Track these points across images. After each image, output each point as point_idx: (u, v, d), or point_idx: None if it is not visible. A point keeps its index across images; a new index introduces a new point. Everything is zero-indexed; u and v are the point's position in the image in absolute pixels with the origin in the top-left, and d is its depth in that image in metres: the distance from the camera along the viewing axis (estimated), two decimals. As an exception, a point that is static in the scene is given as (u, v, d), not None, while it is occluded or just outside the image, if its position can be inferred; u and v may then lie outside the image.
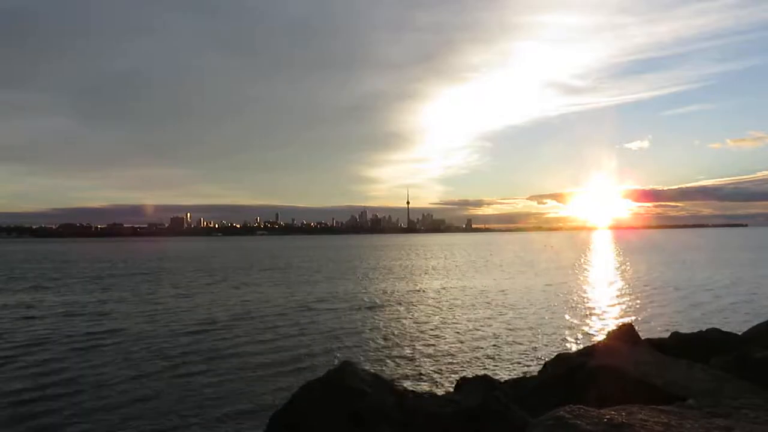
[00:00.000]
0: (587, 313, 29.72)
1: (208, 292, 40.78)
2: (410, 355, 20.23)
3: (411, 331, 24.98)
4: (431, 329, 25.24)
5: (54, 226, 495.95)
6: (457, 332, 24.39)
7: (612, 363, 8.28)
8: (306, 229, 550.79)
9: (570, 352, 11.04)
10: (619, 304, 33.20)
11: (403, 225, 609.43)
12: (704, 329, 11.52)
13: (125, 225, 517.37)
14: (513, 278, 50.31)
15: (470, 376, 9.60)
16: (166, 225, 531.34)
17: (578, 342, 21.45)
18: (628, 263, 69.27)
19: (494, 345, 21.68)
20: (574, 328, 25.26)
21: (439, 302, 34.60)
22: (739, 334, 11.17)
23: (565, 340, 22.54)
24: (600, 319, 27.61)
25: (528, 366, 17.83)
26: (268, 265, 73.45)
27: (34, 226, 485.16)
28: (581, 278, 49.95)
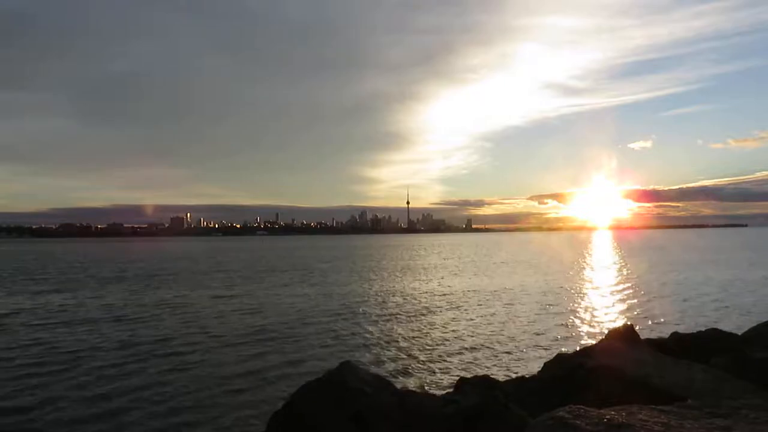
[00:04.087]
0: (587, 313, 29.72)
1: (237, 294, 39.96)
2: (410, 355, 20.22)
3: (411, 330, 24.98)
4: (431, 329, 25.24)
5: (54, 226, 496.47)
6: (458, 332, 24.38)
7: (612, 363, 8.27)
8: (306, 229, 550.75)
9: (570, 352, 11.02)
10: (619, 304, 33.20)
11: (403, 225, 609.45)
12: (704, 329, 11.52)
13: (125, 225, 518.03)
14: (513, 278, 50.30)
15: (470, 376, 9.61)
16: (166, 225, 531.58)
17: (578, 342, 21.43)
18: (628, 263, 69.27)
19: (494, 345, 21.67)
20: (574, 328, 25.27)
21: (439, 302, 34.59)
22: (739, 334, 11.18)
23: (565, 340, 22.53)
24: (600, 319, 27.61)
25: (528, 366, 17.83)
26: (282, 266, 72.73)
27: (34, 226, 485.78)
28: (581, 278, 49.95)
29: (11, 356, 20.34)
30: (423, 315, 29.55)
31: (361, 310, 31.50)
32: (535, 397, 8.38)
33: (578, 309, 30.93)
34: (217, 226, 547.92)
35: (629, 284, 43.39)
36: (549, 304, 32.55)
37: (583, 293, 38.35)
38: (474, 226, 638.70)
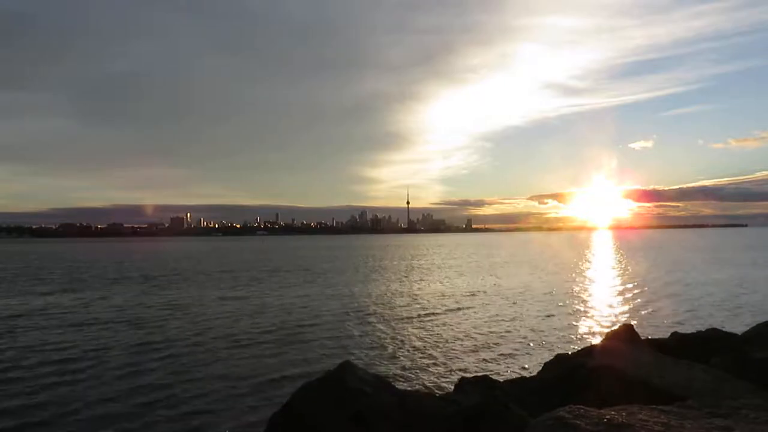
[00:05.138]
0: (587, 313, 29.71)
1: (242, 295, 39.57)
2: (410, 355, 20.22)
3: (412, 331, 24.97)
4: (432, 329, 25.23)
5: (54, 226, 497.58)
6: (458, 332, 24.38)
7: (612, 363, 8.28)
8: (306, 229, 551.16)
9: (570, 352, 11.03)
10: (619, 304, 33.19)
11: (403, 225, 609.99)
12: (704, 329, 11.54)
13: (125, 225, 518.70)
14: (513, 278, 50.31)
15: (470, 376, 9.61)
16: (166, 225, 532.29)
17: (578, 342, 21.43)
18: (628, 263, 69.26)
19: (494, 345, 21.67)
20: (574, 328, 25.26)
21: (440, 303, 34.58)
22: (739, 334, 11.18)
23: (565, 340, 22.52)
24: (600, 319, 27.59)
25: (528, 366, 17.83)
26: (285, 266, 72.09)
27: (34, 226, 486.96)
28: (581, 279, 49.94)
29: (21, 358, 20.21)
30: (423, 315, 29.53)
31: (362, 310, 31.51)
32: (535, 397, 8.38)
33: (578, 309, 30.91)
34: (217, 226, 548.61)
35: (629, 284, 43.38)
36: (549, 305, 32.53)
37: (583, 293, 38.33)
38: (474, 226, 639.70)
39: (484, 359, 19.47)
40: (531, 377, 10.05)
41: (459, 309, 31.51)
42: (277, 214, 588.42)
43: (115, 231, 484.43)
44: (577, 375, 8.26)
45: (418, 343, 22.12)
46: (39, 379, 17.50)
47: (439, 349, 20.96)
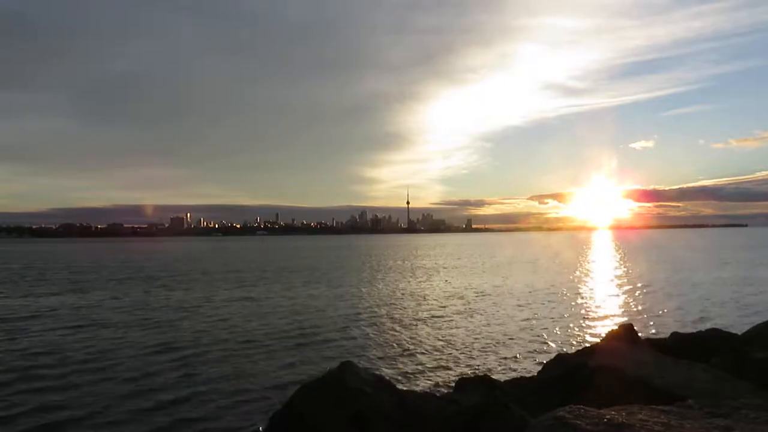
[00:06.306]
0: (587, 313, 29.71)
1: (246, 296, 39.53)
2: (411, 355, 20.21)
3: (412, 331, 24.97)
4: (432, 329, 25.24)
5: (54, 226, 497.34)
6: (458, 332, 24.38)
7: (612, 363, 8.30)
8: (306, 229, 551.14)
9: (570, 352, 11.04)
10: (619, 304, 33.18)
11: (403, 225, 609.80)
12: (704, 329, 11.58)
13: (125, 225, 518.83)
14: (512, 278, 50.30)
15: (470, 377, 9.63)
16: (166, 225, 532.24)
17: (578, 342, 21.43)
18: (628, 263, 69.25)
19: (494, 345, 21.67)
20: (574, 328, 25.26)
21: (441, 303, 34.59)
22: (739, 334, 11.20)
23: (565, 340, 22.53)
24: (600, 319, 27.60)
25: (528, 366, 17.83)
26: (289, 266, 71.75)
27: (34, 226, 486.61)
28: (581, 279, 49.93)
29: (30, 360, 20.07)
30: (424, 316, 29.53)
31: (364, 311, 31.50)
32: (535, 397, 8.40)
33: (578, 309, 30.91)
34: (217, 226, 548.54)
35: (629, 284, 43.38)
36: (549, 305, 32.53)
37: (583, 293, 38.33)
38: (474, 226, 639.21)
39: (484, 359, 19.46)
40: (531, 377, 10.06)
41: (459, 309, 31.51)
42: (277, 214, 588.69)
43: (115, 231, 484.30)
44: (577, 375, 8.28)
45: (418, 343, 22.11)
46: (45, 380, 17.48)
47: (439, 349, 20.96)
